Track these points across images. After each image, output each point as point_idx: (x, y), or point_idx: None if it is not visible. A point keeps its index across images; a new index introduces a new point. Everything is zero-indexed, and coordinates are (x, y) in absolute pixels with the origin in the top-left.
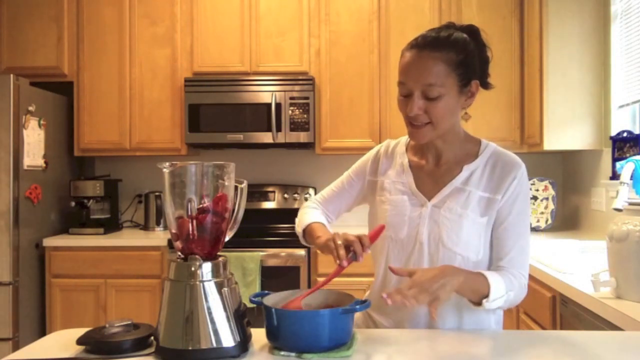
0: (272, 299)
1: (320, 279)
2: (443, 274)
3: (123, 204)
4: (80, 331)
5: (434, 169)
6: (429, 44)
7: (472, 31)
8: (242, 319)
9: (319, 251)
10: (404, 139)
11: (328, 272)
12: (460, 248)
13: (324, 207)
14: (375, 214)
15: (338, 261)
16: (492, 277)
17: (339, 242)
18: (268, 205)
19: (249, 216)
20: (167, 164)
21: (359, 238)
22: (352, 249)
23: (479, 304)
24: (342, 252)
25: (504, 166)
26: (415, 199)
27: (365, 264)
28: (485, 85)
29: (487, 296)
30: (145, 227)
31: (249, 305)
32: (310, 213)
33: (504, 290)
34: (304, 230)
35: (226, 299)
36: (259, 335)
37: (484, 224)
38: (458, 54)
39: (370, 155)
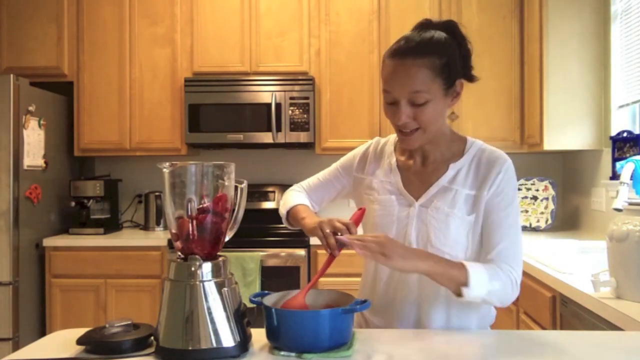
0: (272, 299)
1: (320, 279)
2: (412, 252)
3: (123, 204)
4: (80, 331)
5: (421, 168)
6: (411, 51)
7: (450, 27)
8: (242, 319)
9: (309, 235)
10: (393, 137)
11: (328, 271)
12: (448, 247)
13: (307, 194)
14: (366, 214)
15: (329, 250)
16: (472, 266)
17: (327, 230)
18: (268, 205)
19: (249, 216)
20: (167, 164)
21: (347, 226)
22: (340, 235)
23: (460, 294)
24: (332, 241)
25: (488, 162)
26: (403, 199)
27: (364, 263)
28: (470, 78)
29: (466, 284)
30: (145, 227)
31: (249, 305)
32: (295, 196)
33: (487, 280)
34: (288, 212)
35: (226, 299)
36: (259, 335)
37: (471, 222)
38: (441, 57)
39: (359, 151)
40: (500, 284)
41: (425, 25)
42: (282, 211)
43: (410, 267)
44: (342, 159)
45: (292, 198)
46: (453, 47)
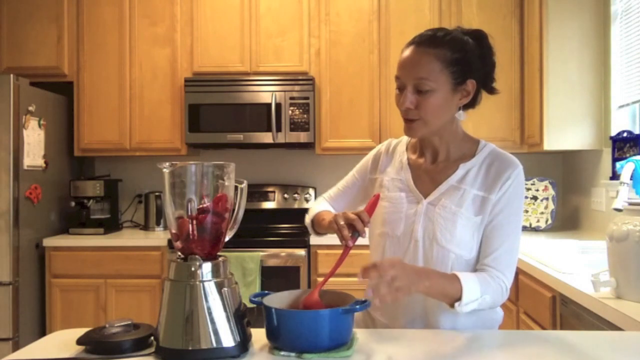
0: (275, 299)
1: (320, 279)
2: (415, 275)
3: (123, 204)
4: (80, 331)
5: (431, 167)
6: (425, 41)
7: (478, 36)
8: (242, 319)
9: (329, 233)
10: (406, 137)
11: (327, 272)
12: (453, 246)
13: (329, 204)
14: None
15: (344, 242)
16: (466, 281)
17: (342, 222)
18: (268, 205)
19: (249, 216)
20: (167, 164)
21: (358, 215)
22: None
23: (452, 305)
24: (345, 232)
25: (499, 165)
26: (412, 196)
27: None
28: (490, 90)
29: (459, 299)
30: (145, 227)
31: (249, 305)
32: (318, 205)
33: (479, 294)
34: (313, 221)
35: (226, 299)
36: (259, 335)
37: (477, 222)
38: (454, 52)
39: (371, 154)
40: (491, 295)
41: (454, 29)
42: (307, 221)
43: (417, 290)
44: (358, 165)
45: (314, 208)
46: (472, 48)
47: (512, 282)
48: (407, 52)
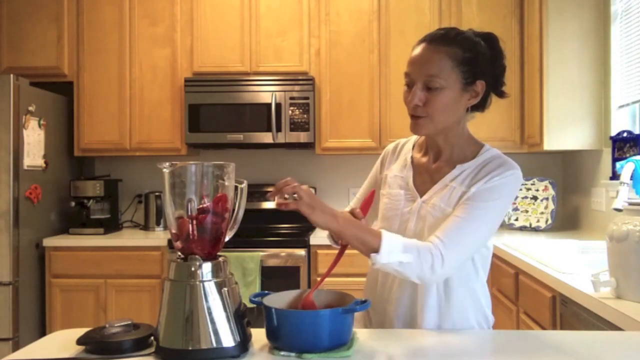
0: (275, 299)
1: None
2: (331, 210)
3: (123, 204)
4: (80, 331)
5: (432, 166)
6: (437, 39)
7: (490, 39)
8: (242, 319)
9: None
10: (415, 137)
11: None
12: None
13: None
14: (377, 207)
15: (340, 241)
16: (388, 235)
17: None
18: (268, 205)
19: (249, 216)
20: (167, 164)
21: (352, 213)
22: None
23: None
24: None
25: (493, 164)
26: (409, 194)
27: (365, 263)
28: (500, 93)
29: (377, 252)
30: (145, 227)
31: (249, 305)
32: None
33: (400, 250)
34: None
35: (226, 299)
36: (259, 335)
37: None
38: (465, 51)
39: (380, 156)
40: (415, 257)
41: (466, 30)
42: (328, 234)
43: (324, 221)
44: (370, 172)
45: None
46: (483, 50)
47: (453, 262)
48: (418, 49)
